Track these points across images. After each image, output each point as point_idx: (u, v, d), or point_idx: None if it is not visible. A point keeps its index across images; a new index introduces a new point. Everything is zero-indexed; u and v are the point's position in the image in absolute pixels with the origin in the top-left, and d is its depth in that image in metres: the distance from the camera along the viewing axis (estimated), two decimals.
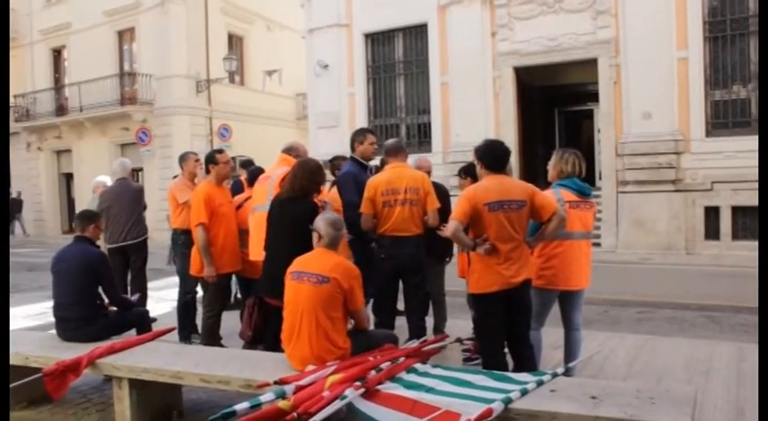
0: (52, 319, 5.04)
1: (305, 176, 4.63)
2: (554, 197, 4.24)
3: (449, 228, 3.96)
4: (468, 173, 5.17)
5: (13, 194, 24.49)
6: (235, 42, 23.13)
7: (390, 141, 5.19)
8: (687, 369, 4.98)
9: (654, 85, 12.87)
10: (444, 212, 4.93)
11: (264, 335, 5.09)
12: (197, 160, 6.61)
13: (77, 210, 23.21)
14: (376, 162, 5.71)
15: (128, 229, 7.08)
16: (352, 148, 5.54)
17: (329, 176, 6.45)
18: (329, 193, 5.70)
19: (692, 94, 12.72)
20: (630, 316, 7.72)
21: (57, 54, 24.68)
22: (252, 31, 23.63)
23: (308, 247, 4.14)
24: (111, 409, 4.39)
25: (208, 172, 5.73)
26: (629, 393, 3.25)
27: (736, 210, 12.11)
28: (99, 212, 5.75)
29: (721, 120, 12.66)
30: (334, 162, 6.61)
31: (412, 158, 5.54)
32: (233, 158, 6.31)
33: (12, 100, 24.49)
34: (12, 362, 4.61)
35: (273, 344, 4.54)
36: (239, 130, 21.20)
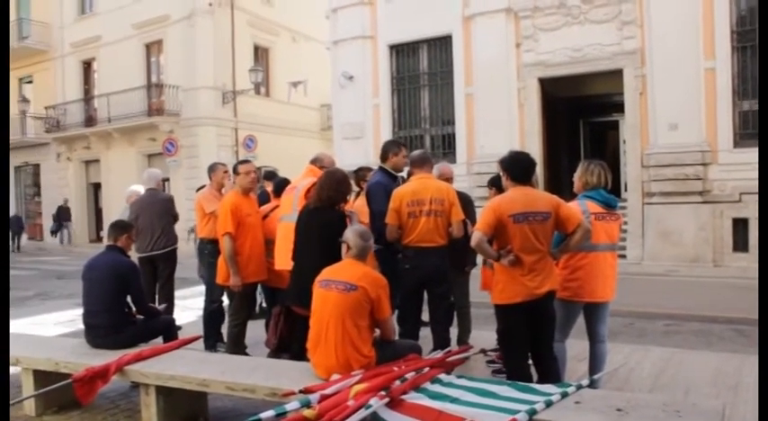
0: (82, 326, 5.12)
1: (331, 187, 4.69)
2: (579, 208, 4.23)
3: (473, 239, 3.97)
4: (494, 184, 5.18)
5: (60, 202, 24.86)
6: (260, 54, 23.39)
7: (417, 152, 5.21)
8: (715, 383, 4.91)
9: (680, 96, 12.75)
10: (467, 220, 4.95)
11: (290, 344, 5.12)
12: (225, 171, 6.70)
13: (105, 219, 23.65)
14: (403, 173, 5.74)
15: (156, 239, 7.16)
16: (385, 159, 5.56)
17: (354, 187, 6.49)
18: (355, 204, 5.74)
19: (719, 104, 12.58)
20: (657, 328, 7.63)
21: (87, 66, 25.15)
22: (277, 42, 23.88)
23: (336, 257, 4.18)
24: (139, 416, 4.45)
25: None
26: (656, 406, 3.23)
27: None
28: (132, 223, 5.84)
29: (750, 130, 12.49)
30: (359, 173, 6.64)
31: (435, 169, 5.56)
32: (258, 169, 6.38)
33: (43, 111, 24.99)
34: (43, 367, 4.73)
35: (299, 354, 4.58)
36: (264, 141, 21.40)
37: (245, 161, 6.11)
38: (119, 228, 5.19)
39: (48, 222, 26.42)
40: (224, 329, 6.16)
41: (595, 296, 4.33)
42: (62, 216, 24.52)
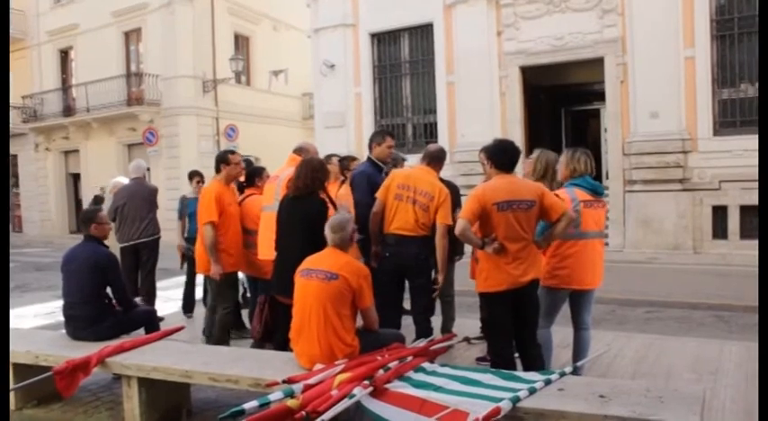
0: (62, 318, 5.07)
1: (307, 175, 4.68)
2: (568, 196, 4.23)
3: (457, 227, 3.97)
4: None
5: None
6: (241, 42, 23.16)
7: (432, 147, 5.15)
8: (695, 368, 4.97)
9: (661, 84, 12.81)
10: (454, 209, 4.94)
11: (274, 334, 5.11)
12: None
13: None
14: (411, 162, 5.71)
15: (143, 228, 7.16)
16: (370, 149, 5.58)
17: (339, 176, 6.45)
18: (339, 193, 5.71)
19: (699, 92, 12.66)
20: (638, 315, 7.70)
21: (64, 55, 24.74)
22: (258, 31, 23.66)
23: (318, 244, 4.17)
24: (121, 408, 4.42)
25: (218, 171, 5.70)
26: (638, 392, 3.26)
27: (745, 210, 12.04)
28: (96, 209, 5.71)
29: (729, 118, 12.61)
30: (343, 162, 6.62)
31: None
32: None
33: (20, 101, 24.61)
34: (22, 360, 4.67)
35: (282, 344, 4.57)
36: (245, 130, 21.23)
37: (233, 151, 6.05)
38: (87, 218, 5.13)
39: (27, 214, 26.09)
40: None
41: (584, 283, 4.35)
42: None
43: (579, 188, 4.35)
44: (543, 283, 4.23)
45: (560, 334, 5.07)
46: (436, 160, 5.03)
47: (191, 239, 7.56)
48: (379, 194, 4.88)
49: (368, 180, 5.34)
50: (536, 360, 4.13)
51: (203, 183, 7.85)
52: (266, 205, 5.32)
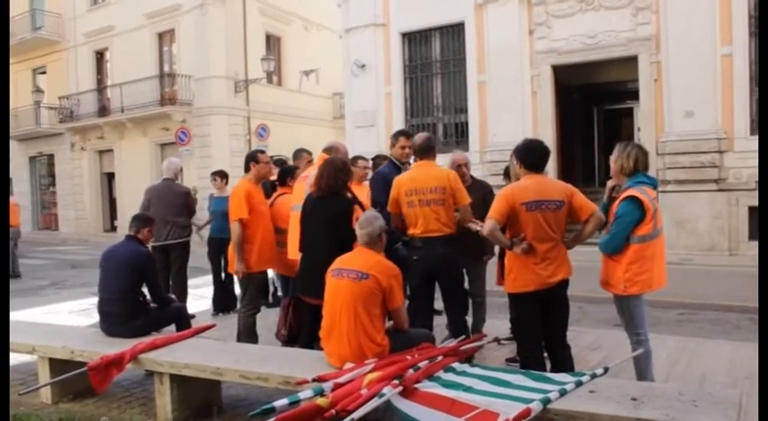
0: (97, 315, 5.17)
1: (330, 175, 4.69)
2: (644, 197, 3.94)
3: (486, 227, 3.95)
4: (508, 174, 5.15)
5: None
6: (272, 43, 23.34)
7: (418, 140, 5.04)
8: (730, 372, 4.88)
9: (696, 83, 12.59)
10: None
11: (298, 338, 5.12)
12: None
13: (119, 208, 23.55)
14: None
15: (169, 230, 7.23)
16: (391, 149, 5.61)
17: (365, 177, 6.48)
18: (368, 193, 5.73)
19: (736, 91, 12.41)
20: (672, 317, 7.58)
21: (99, 56, 25.19)
22: (289, 31, 23.83)
23: (343, 244, 4.18)
24: (153, 404, 4.49)
25: (247, 170, 5.75)
26: (671, 395, 3.21)
27: None
28: (153, 218, 5.84)
29: None
30: (376, 161, 6.64)
31: (448, 156, 5.54)
32: (271, 157, 6.38)
33: (56, 101, 25.11)
34: (59, 356, 4.78)
35: (308, 344, 4.59)
36: (276, 130, 21.37)
37: (263, 151, 6.14)
38: (141, 220, 5.31)
39: (63, 212, 26.60)
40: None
41: (661, 283, 4.12)
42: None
43: (647, 186, 4.06)
44: (624, 292, 4.00)
45: (591, 335, 5.02)
46: (428, 151, 4.93)
47: (214, 239, 7.78)
48: (390, 207, 4.83)
49: (383, 180, 5.36)
50: (565, 361, 4.09)
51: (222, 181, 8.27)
52: (296, 204, 5.35)
